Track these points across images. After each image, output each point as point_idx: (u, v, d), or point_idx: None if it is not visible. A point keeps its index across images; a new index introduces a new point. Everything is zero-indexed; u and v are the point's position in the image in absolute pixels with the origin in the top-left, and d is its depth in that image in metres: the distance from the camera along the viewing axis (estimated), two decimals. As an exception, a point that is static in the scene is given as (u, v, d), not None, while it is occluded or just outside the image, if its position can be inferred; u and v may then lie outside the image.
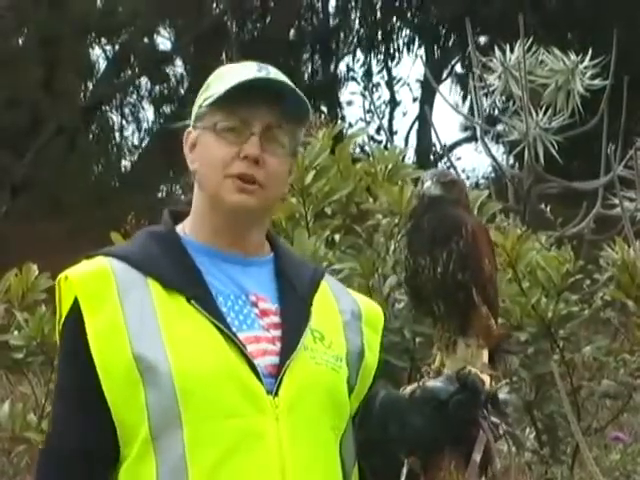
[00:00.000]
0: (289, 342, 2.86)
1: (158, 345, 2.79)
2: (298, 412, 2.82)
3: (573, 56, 5.66)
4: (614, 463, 4.82)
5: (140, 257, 2.90)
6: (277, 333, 2.86)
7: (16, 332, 4.70)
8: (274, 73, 2.91)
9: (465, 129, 18.73)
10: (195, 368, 2.79)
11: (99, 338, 2.79)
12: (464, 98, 18.53)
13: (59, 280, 2.90)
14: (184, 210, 3.01)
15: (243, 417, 2.78)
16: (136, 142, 17.40)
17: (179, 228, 2.96)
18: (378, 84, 19.44)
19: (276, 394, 2.79)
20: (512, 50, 5.79)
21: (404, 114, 20.10)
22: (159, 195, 17.58)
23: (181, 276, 2.87)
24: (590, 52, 5.69)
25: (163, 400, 2.76)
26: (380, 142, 15.30)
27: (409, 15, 17.09)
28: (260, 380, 2.79)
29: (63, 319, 2.88)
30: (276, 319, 2.89)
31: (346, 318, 3.01)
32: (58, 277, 2.92)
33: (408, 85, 19.30)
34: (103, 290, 2.84)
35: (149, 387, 2.76)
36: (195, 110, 2.95)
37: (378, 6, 17.44)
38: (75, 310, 2.83)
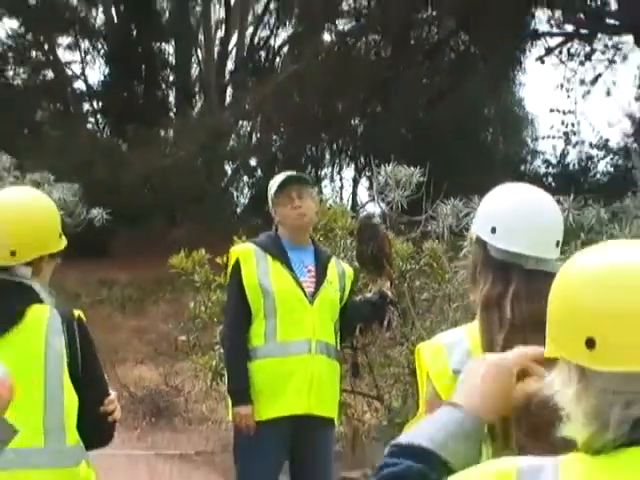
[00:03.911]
0: (318, 283, 2.85)
1: (268, 281, 2.79)
2: (320, 311, 2.81)
3: (405, 170, 4.65)
4: (428, 328, 4.94)
5: (264, 244, 2.87)
6: (313, 280, 2.86)
7: (196, 276, 4.42)
8: (297, 172, 3.01)
9: (373, 199, 18.27)
10: (283, 291, 2.79)
11: (247, 278, 2.81)
12: (369, 189, 17.96)
13: (231, 251, 2.90)
14: (278, 225, 2.98)
15: (299, 312, 2.80)
16: (243, 202, 17.16)
17: (279, 232, 2.95)
18: (334, 184, 19.29)
19: (312, 303, 2.81)
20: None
21: (347, 193, 20.12)
22: (255, 222, 17.14)
23: (279, 254, 2.85)
24: (418, 167, 5.50)
25: (269, 303, 2.78)
26: (337, 203, 15.16)
27: (347, 159, 16.99)
28: (307, 298, 2.81)
29: (231, 268, 2.85)
30: (313, 274, 2.88)
31: (340, 274, 2.96)
32: (230, 250, 2.91)
33: (348, 183, 19.29)
34: (249, 257, 2.83)
35: (264, 298, 2.78)
36: (270, 193, 2.94)
37: (336, 158, 17.08)
38: (237, 264, 2.82)
